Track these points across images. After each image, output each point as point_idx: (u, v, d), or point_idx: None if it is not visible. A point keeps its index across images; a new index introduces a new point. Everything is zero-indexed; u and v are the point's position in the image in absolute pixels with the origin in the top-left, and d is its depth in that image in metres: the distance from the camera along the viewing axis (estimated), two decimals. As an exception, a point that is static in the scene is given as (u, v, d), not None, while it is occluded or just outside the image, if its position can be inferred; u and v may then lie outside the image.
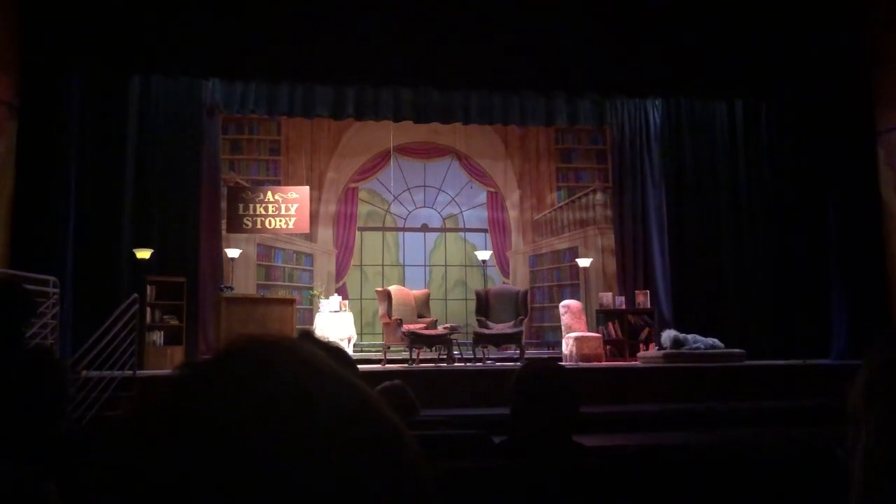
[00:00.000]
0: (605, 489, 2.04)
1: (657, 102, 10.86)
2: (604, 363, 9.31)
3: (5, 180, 8.34)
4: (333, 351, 1.77)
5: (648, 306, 10.31)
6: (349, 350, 10.19)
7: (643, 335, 10.09)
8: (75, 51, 8.62)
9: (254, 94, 10.48)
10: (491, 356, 9.90)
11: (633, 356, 9.78)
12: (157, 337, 9.21)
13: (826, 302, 10.20)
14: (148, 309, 9.01)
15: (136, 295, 7.99)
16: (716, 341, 9.47)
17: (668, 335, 9.38)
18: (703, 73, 9.81)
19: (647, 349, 9.78)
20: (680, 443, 4.82)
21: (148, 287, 9.05)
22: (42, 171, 8.55)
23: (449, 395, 7.44)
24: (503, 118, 11.12)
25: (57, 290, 7.40)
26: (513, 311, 9.93)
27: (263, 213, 10.52)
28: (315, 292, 10.84)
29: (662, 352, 9.28)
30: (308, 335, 1.63)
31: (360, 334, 10.92)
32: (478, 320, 9.95)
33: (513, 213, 11.91)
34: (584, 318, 10.21)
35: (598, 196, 11.85)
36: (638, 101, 10.87)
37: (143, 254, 9.12)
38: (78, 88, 9.06)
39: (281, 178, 11.22)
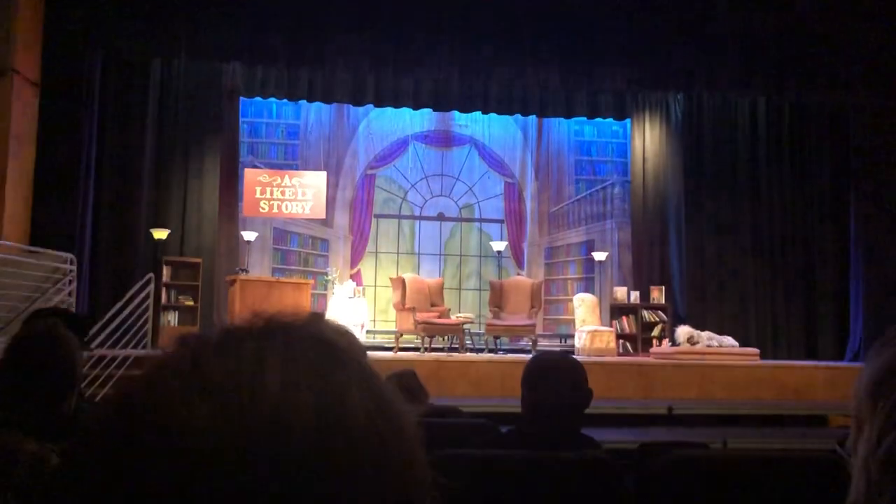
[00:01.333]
0: (611, 481, 2.03)
1: (679, 96, 10.76)
2: (616, 358, 9.28)
3: (27, 156, 8.41)
4: (343, 335, 1.77)
5: (663, 302, 10.26)
6: (362, 337, 10.23)
7: (656, 331, 10.05)
8: (98, 30, 8.66)
9: (274, 79, 10.50)
10: (503, 347, 9.89)
11: (645, 351, 9.74)
12: (172, 317, 9.28)
13: (845, 302, 10.11)
14: (164, 289, 9.07)
15: (151, 274, 8.05)
16: (730, 339, 9.41)
17: (682, 331, 9.33)
18: (727, 70, 9.71)
19: (660, 345, 9.74)
20: (689, 439, 4.79)
21: (164, 267, 9.12)
22: (63, 149, 8.62)
23: (459, 385, 7.45)
24: (522, 108, 11.07)
25: (74, 268, 7.47)
26: (526, 302, 9.91)
27: (280, 197, 10.55)
28: (329, 277, 10.87)
29: (675, 348, 9.23)
30: (319, 318, 1.62)
31: (374, 321, 10.94)
32: (491, 311, 9.94)
33: (530, 205, 11.86)
34: (598, 311, 10.17)
35: (617, 189, 11.78)
36: (659, 95, 10.77)
37: (161, 234, 9.18)
38: (100, 68, 9.10)
39: (299, 163, 11.24)
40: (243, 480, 0.36)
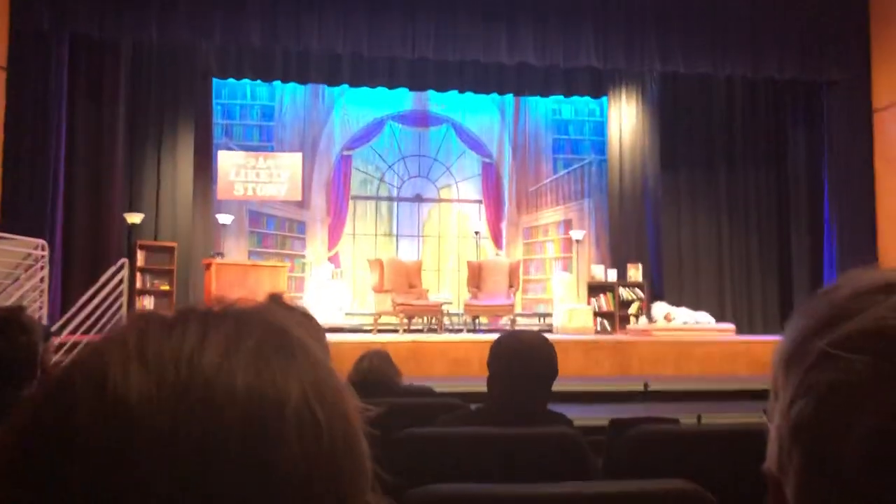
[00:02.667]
0: (577, 457, 2.03)
1: (654, 74, 10.75)
2: (593, 335, 9.33)
3: (-6, 141, 8.27)
4: (300, 315, 1.75)
5: (640, 279, 10.32)
6: (341, 318, 10.21)
7: (633, 308, 10.12)
8: (65, 10, 8.49)
9: (248, 59, 10.37)
10: (482, 328, 9.91)
11: (623, 329, 9.81)
12: (148, 301, 9.20)
13: (820, 277, 10.23)
14: (138, 273, 8.99)
15: (124, 259, 7.98)
16: (706, 315, 9.50)
17: (658, 308, 9.40)
18: (702, 46, 9.72)
19: (637, 322, 9.81)
20: (664, 415, 4.83)
21: (138, 251, 9.03)
22: (32, 134, 8.48)
23: (437, 365, 7.46)
24: (499, 87, 11.03)
25: (45, 253, 7.37)
26: (505, 282, 9.93)
27: (255, 179, 10.46)
28: (307, 260, 10.82)
29: (652, 325, 9.30)
30: (276, 300, 1.60)
31: (352, 303, 10.92)
32: (470, 291, 9.95)
33: (507, 185, 11.85)
34: (576, 290, 10.21)
35: (594, 168, 11.79)
36: (635, 72, 10.75)
37: (135, 218, 9.08)
38: (68, 50, 8.94)
39: (274, 145, 11.14)
40: (170, 454, 0.37)
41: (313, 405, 0.41)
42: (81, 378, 0.39)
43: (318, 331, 1.68)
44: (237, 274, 8.82)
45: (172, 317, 0.42)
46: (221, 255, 9.51)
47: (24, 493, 0.37)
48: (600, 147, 11.68)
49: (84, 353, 0.41)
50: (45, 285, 7.33)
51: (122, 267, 7.78)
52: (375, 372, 3.26)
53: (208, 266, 8.78)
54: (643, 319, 9.79)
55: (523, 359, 2.25)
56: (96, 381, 0.38)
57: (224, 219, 9.99)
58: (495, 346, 2.33)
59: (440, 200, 11.73)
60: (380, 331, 9.16)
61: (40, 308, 7.04)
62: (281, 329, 0.44)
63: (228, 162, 10.48)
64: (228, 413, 0.38)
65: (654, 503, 1.28)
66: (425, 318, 9.71)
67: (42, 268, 7.29)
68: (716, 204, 10.90)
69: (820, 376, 0.46)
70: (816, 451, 0.45)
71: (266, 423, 0.39)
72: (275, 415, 0.39)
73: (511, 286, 9.84)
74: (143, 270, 9.19)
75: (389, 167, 11.63)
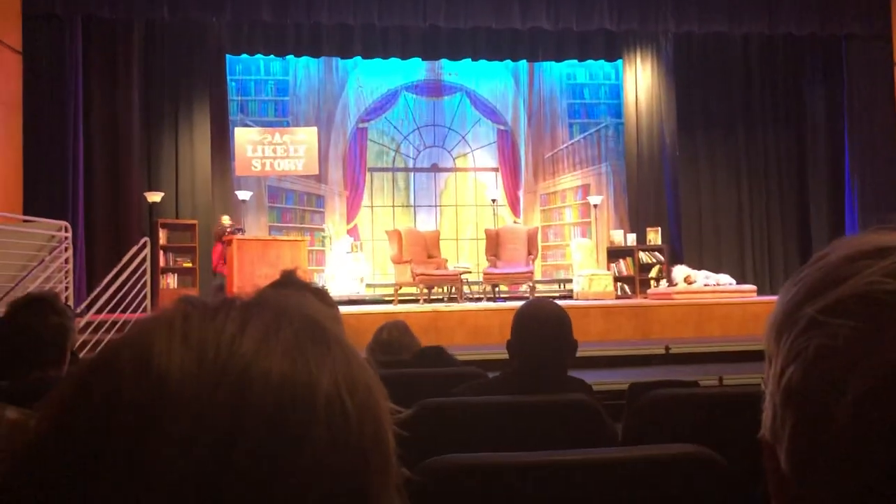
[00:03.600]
0: (594, 422, 2.06)
1: (669, 34, 10.59)
2: (614, 300, 9.33)
3: (14, 125, 8.36)
4: (315, 292, 1.78)
5: (659, 243, 10.28)
6: (362, 290, 10.29)
7: (654, 272, 10.10)
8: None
9: (260, 35, 10.36)
10: (502, 296, 9.95)
11: (643, 293, 9.80)
12: (172, 279, 9.32)
13: (841, 235, 10.13)
14: (161, 252, 9.09)
15: (146, 238, 8.07)
16: (727, 277, 9.46)
17: (678, 271, 9.37)
18: (715, 3, 9.56)
19: (657, 286, 9.79)
20: (685, 378, 4.85)
21: (160, 230, 9.12)
22: (49, 116, 8.55)
23: (457, 334, 7.51)
24: (512, 54, 10.94)
25: (69, 235, 7.48)
26: (523, 250, 9.93)
27: (273, 154, 10.50)
28: (326, 234, 10.88)
29: (672, 288, 9.28)
30: (290, 277, 1.63)
31: (372, 275, 10.98)
32: (488, 260, 9.96)
33: (524, 151, 11.80)
34: (595, 255, 10.20)
35: (611, 132, 11.70)
36: (650, 33, 10.59)
37: (155, 197, 9.17)
38: (81, 31, 8.97)
39: (289, 119, 11.15)
40: (205, 425, 0.39)
41: (344, 396, 0.43)
42: (129, 354, 0.42)
43: (331, 306, 1.71)
44: (258, 249, 8.90)
45: (216, 304, 0.45)
46: (242, 230, 9.58)
47: (69, 464, 0.39)
48: (616, 110, 11.57)
49: (132, 332, 0.44)
50: (70, 266, 7.45)
51: (144, 246, 7.88)
52: (395, 343, 3.30)
53: (230, 242, 8.86)
54: (664, 283, 9.77)
55: (546, 327, 2.27)
56: (142, 357, 0.41)
57: (243, 195, 10.05)
58: (520, 314, 2.35)
59: (456, 170, 11.71)
60: (400, 301, 9.22)
61: (66, 289, 7.16)
62: (317, 322, 0.46)
63: (245, 138, 10.51)
64: (261, 392, 0.40)
65: (664, 468, 1.31)
66: (445, 288, 9.75)
67: (66, 249, 7.40)
68: (735, 165, 10.80)
69: (809, 342, 0.46)
70: (807, 417, 0.46)
71: (297, 406, 0.41)
72: (306, 400, 0.41)
73: (530, 253, 9.84)
74: (165, 249, 9.30)
75: (405, 138, 11.61)
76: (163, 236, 9.26)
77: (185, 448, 0.39)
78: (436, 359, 3.10)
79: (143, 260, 7.76)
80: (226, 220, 9.29)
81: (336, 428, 0.42)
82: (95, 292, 7.11)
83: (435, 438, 1.66)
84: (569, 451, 1.35)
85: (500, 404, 2.05)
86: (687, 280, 9.25)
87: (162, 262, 9.18)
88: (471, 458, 1.38)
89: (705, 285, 9.24)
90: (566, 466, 1.30)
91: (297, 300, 0.47)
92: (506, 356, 2.37)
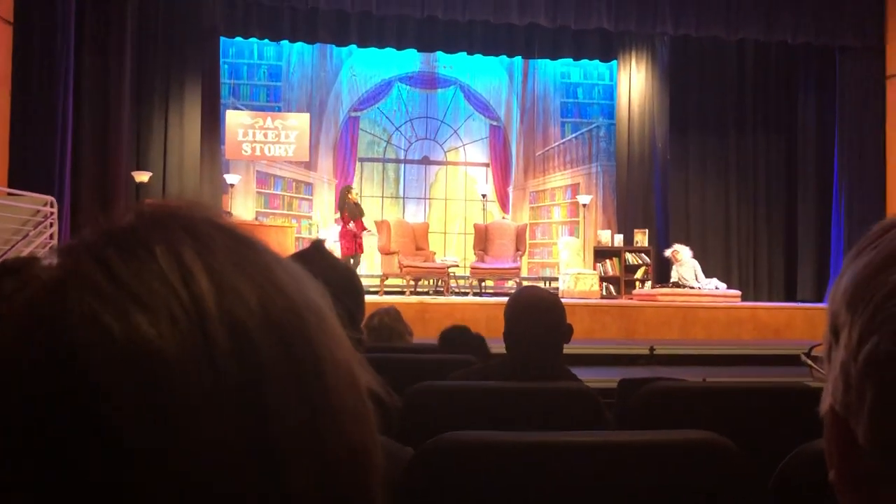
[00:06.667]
0: (591, 411, 2.05)
1: (665, 37, 10.61)
2: (600, 300, 9.35)
3: (3, 96, 8.23)
4: (341, 270, 1.75)
5: (646, 245, 10.32)
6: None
7: (640, 273, 10.14)
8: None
9: (256, 18, 10.27)
10: (488, 291, 9.95)
11: (629, 294, 9.83)
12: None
13: (827, 246, 10.22)
14: (146, 232, 9.00)
15: (133, 217, 7.97)
16: (716, 281, 9.52)
17: (675, 248, 9.56)
18: (714, 9, 9.59)
19: (643, 287, 9.83)
20: (670, 377, 4.86)
21: (146, 210, 9.03)
22: (38, 90, 8.43)
23: (444, 326, 7.49)
24: (508, 50, 10.91)
25: (54, 210, 7.38)
26: (511, 245, 9.94)
27: (263, 139, 10.42)
28: (314, 221, 10.83)
29: (657, 290, 9.32)
30: (318, 248, 1.60)
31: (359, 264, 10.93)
32: (476, 254, 9.96)
33: (515, 148, 11.80)
34: (582, 255, 10.22)
35: (603, 132, 11.72)
36: (646, 36, 10.61)
37: (142, 177, 9.08)
38: (74, 4, 8.85)
39: (282, 105, 11.08)
40: (207, 384, 0.32)
41: (310, 302, 0.37)
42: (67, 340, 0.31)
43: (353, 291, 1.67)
44: (245, 234, 8.82)
45: (112, 240, 0.35)
46: (230, 214, 9.50)
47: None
48: (609, 111, 11.59)
49: (33, 309, 0.32)
50: (55, 242, 7.35)
51: (130, 225, 7.79)
52: (386, 329, 3.28)
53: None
54: (648, 285, 9.81)
55: (541, 315, 2.26)
56: (104, 332, 0.31)
57: (232, 179, 9.98)
58: (514, 301, 2.33)
59: (447, 163, 11.69)
60: (386, 292, 9.20)
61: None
62: (230, 226, 0.38)
63: (236, 121, 10.43)
64: (251, 329, 0.33)
65: (677, 452, 1.30)
66: (431, 281, 9.74)
67: (51, 224, 7.30)
68: (724, 170, 10.85)
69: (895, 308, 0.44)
70: (894, 388, 0.43)
71: (287, 331, 0.34)
72: (292, 320, 0.35)
73: (518, 250, 9.85)
74: (150, 229, 9.21)
75: (397, 129, 11.57)
76: (149, 216, 9.17)
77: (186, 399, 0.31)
78: (459, 341, 3.08)
79: (129, 239, 7.68)
80: None
81: (328, 339, 0.36)
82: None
83: (429, 422, 1.65)
84: (585, 433, 1.34)
85: (496, 389, 2.04)
86: (674, 255, 9.43)
87: (147, 243, 9.09)
88: (473, 437, 1.36)
89: (691, 288, 9.31)
90: (581, 447, 1.28)
91: (183, 206, 0.38)
92: (494, 349, 2.35)
